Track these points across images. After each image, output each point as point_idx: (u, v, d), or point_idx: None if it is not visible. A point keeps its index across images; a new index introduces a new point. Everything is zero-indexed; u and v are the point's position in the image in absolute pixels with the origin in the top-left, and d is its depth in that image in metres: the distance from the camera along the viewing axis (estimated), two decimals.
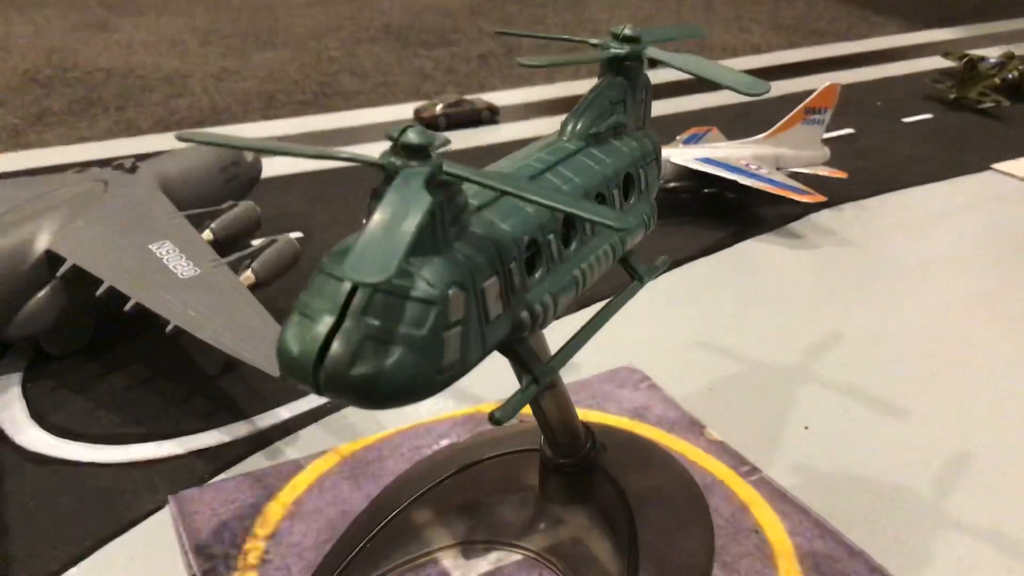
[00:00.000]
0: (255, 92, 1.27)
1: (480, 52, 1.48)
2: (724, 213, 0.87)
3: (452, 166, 0.33)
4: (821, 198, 0.83)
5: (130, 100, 1.23)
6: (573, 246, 0.39)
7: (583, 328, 0.41)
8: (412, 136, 0.32)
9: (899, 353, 0.67)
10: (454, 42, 1.54)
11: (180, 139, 0.33)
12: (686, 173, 0.86)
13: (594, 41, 0.46)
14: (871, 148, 1.05)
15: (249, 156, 0.81)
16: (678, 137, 0.93)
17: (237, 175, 0.79)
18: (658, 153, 0.46)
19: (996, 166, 0.99)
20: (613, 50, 0.44)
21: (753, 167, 0.85)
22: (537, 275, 0.37)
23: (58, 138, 1.11)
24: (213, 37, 1.54)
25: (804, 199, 0.82)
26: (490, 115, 1.12)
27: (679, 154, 0.86)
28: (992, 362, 0.67)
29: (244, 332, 0.58)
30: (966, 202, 0.92)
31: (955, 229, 0.86)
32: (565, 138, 0.43)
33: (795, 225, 0.85)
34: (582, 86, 1.21)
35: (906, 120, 1.14)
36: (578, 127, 0.43)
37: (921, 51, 1.44)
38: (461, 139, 1.06)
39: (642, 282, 0.45)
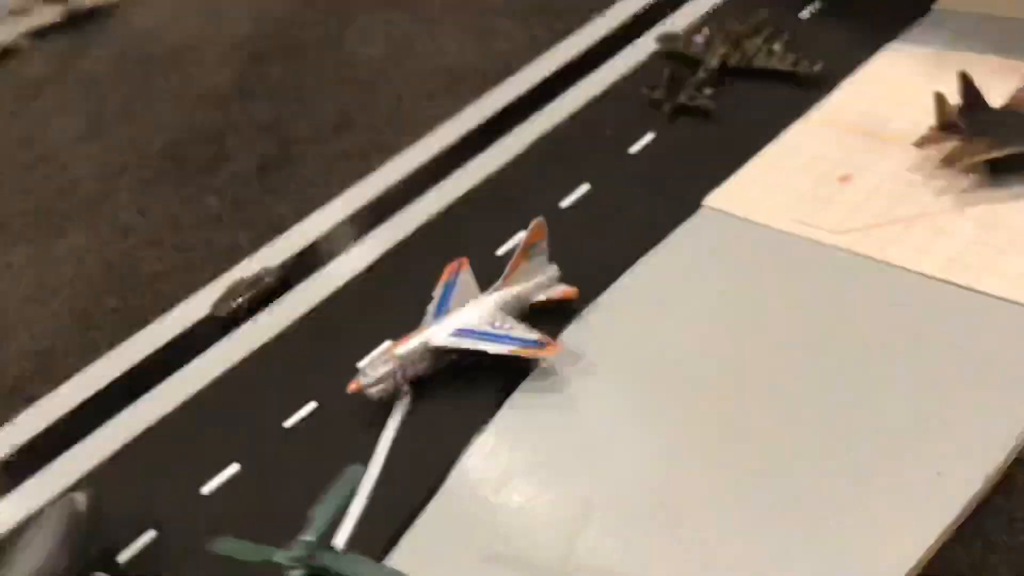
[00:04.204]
0: None
1: (258, 161, 1.55)
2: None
3: None
4: (558, 347, 0.96)
5: None
6: None
7: None
8: None
9: None
10: (230, 152, 1.60)
11: None
12: (443, 349, 0.99)
13: None
14: (606, 207, 1.17)
15: None
16: (434, 293, 1.05)
17: None
18: None
19: (707, 202, 1.11)
20: None
21: (497, 324, 0.98)
22: None
23: None
24: None
25: (545, 353, 0.95)
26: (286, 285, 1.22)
27: (437, 335, 0.98)
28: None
29: None
30: (678, 276, 1.02)
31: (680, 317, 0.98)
32: None
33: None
34: None
35: (632, 150, 1.26)
36: None
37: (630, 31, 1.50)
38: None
39: None
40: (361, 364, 1.01)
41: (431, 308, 1.04)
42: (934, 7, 1.30)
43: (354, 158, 1.47)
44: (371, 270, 1.21)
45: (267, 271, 1.23)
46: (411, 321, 1.04)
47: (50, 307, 1.37)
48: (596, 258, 1.08)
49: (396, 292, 1.16)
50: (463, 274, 1.07)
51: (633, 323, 0.99)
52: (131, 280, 1.37)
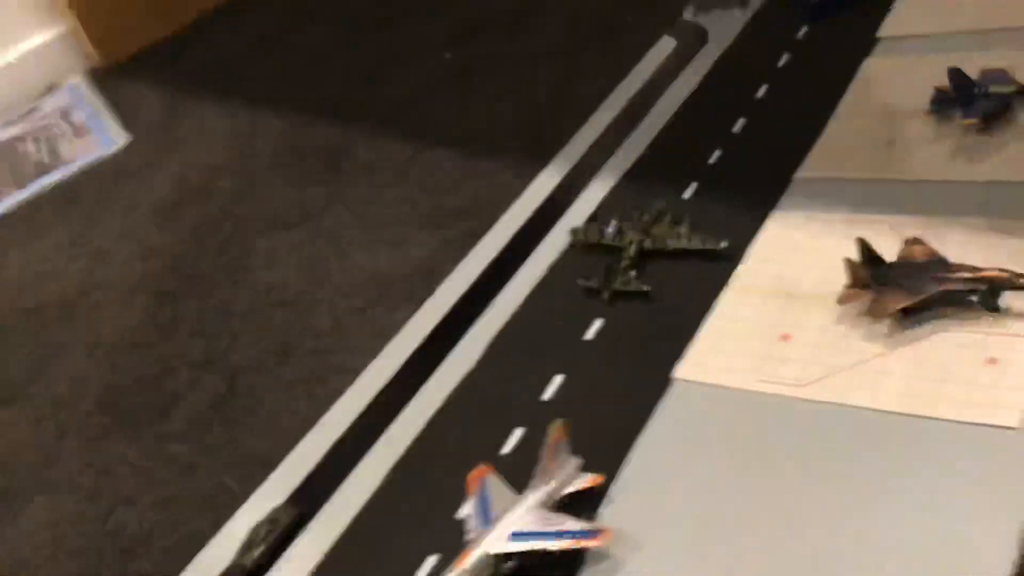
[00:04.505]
0: None
1: (210, 398, 1.58)
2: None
3: None
4: (610, 534, 1.07)
5: None
6: None
7: None
8: None
9: None
10: (176, 394, 1.62)
11: None
12: (504, 555, 1.09)
13: None
14: (584, 394, 1.31)
15: None
16: (467, 506, 1.15)
17: None
18: None
19: (677, 375, 1.30)
20: None
21: (547, 521, 1.10)
22: None
23: None
24: None
25: (601, 542, 1.08)
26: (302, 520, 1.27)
27: (493, 544, 1.08)
28: None
29: None
30: (678, 449, 1.17)
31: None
32: None
33: None
34: None
35: (587, 337, 1.42)
36: None
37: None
38: None
39: None
40: None
41: (474, 520, 1.13)
42: (794, 177, 1.57)
43: (312, 382, 1.55)
44: (382, 492, 1.28)
45: (279, 510, 1.28)
46: (442, 536, 1.13)
47: None
48: (594, 443, 1.22)
49: (415, 509, 1.24)
50: (491, 481, 1.17)
51: (657, 497, 1.13)
52: (121, 548, 1.37)
